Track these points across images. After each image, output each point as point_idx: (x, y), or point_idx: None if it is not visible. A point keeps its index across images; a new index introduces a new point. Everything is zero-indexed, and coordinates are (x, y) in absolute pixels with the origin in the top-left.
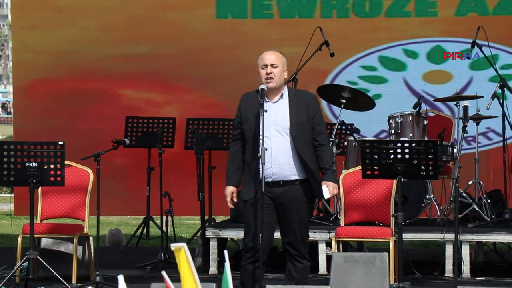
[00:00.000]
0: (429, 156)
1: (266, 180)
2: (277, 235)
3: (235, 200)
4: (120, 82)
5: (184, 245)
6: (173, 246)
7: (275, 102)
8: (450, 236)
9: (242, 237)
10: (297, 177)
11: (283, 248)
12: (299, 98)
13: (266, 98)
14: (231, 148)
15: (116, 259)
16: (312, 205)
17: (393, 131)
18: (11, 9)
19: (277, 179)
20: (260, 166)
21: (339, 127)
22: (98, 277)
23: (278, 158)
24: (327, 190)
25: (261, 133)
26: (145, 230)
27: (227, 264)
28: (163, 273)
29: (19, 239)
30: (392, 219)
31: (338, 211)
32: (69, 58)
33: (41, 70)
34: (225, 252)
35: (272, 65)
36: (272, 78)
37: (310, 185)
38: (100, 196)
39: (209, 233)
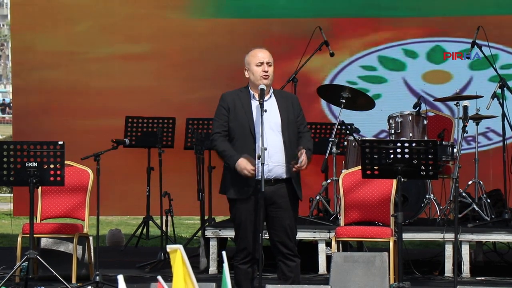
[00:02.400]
0: (429, 156)
1: (258, 177)
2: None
3: (253, 167)
4: (120, 82)
5: (180, 247)
6: (169, 247)
7: (265, 100)
8: (450, 236)
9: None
10: (287, 175)
11: (272, 247)
12: (284, 98)
13: (255, 97)
14: (221, 139)
15: (116, 259)
16: (298, 203)
17: (393, 131)
18: (11, 9)
19: (270, 177)
20: (259, 165)
21: (339, 127)
22: (98, 277)
23: (273, 156)
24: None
25: (260, 133)
26: (145, 230)
27: (225, 265)
28: (159, 277)
29: (19, 239)
30: (392, 219)
31: (338, 211)
32: (69, 58)
33: (41, 70)
34: (223, 252)
35: (267, 63)
36: (268, 76)
37: (292, 184)
38: (100, 196)
39: (209, 233)
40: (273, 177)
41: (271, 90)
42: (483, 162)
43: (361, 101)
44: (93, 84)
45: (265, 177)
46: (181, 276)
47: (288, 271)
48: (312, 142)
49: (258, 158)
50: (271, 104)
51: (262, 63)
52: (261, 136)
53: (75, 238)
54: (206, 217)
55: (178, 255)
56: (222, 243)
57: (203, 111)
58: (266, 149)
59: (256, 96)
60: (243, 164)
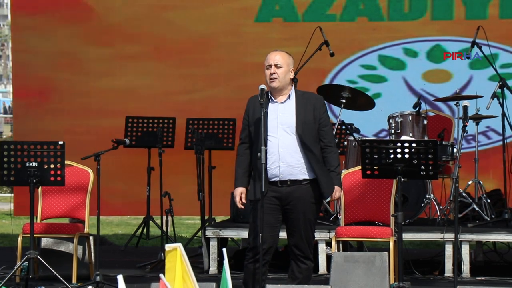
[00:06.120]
0: (429, 155)
1: (273, 179)
2: (282, 235)
3: (243, 200)
4: (120, 81)
5: (179, 245)
6: (168, 246)
7: (282, 102)
8: (450, 236)
9: (243, 237)
10: (306, 177)
11: (284, 248)
12: (306, 99)
13: (273, 99)
14: (238, 151)
15: (116, 259)
16: (319, 206)
17: (393, 131)
18: (11, 9)
19: (284, 178)
20: (260, 165)
21: (339, 126)
22: (98, 277)
23: (286, 157)
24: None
25: (262, 133)
26: (145, 230)
27: (226, 262)
28: (161, 276)
29: (19, 238)
30: (392, 219)
31: (338, 211)
32: (69, 58)
33: (41, 70)
34: (224, 250)
35: (276, 65)
36: (275, 78)
37: (318, 185)
38: (100, 196)
39: (209, 233)
40: (287, 178)
41: (292, 91)
42: (483, 162)
43: (361, 101)
44: (93, 84)
45: (279, 178)
46: (179, 275)
47: (297, 272)
48: (338, 158)
49: (259, 159)
50: (289, 105)
51: (270, 66)
52: (263, 136)
53: (75, 238)
54: (206, 217)
55: (177, 253)
56: (223, 243)
57: (203, 111)
58: (266, 149)
59: (273, 97)
60: (237, 192)
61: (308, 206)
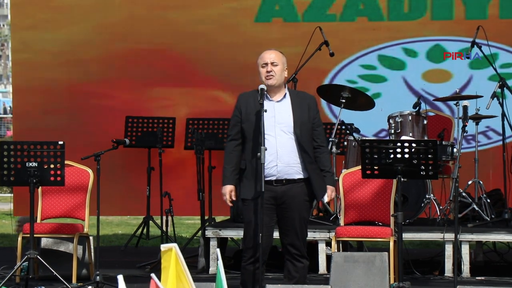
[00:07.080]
0: (429, 155)
1: (269, 178)
2: (277, 235)
3: (233, 198)
4: (120, 82)
5: (174, 245)
6: (163, 247)
7: (278, 101)
8: (450, 236)
9: (242, 237)
10: (300, 176)
11: (282, 247)
12: (301, 98)
13: (269, 97)
14: (227, 148)
15: (116, 259)
16: (312, 204)
17: (392, 131)
18: (11, 9)
19: (281, 178)
20: (259, 165)
21: (339, 126)
22: (98, 277)
23: (283, 157)
24: (326, 193)
25: (261, 132)
26: (145, 230)
27: (220, 263)
28: (153, 275)
29: (19, 238)
30: (392, 219)
31: (338, 211)
32: (69, 58)
33: (41, 70)
34: (217, 250)
35: (272, 63)
36: (272, 76)
37: (311, 184)
38: (100, 196)
39: (209, 232)
40: (284, 177)
41: (286, 91)
42: (483, 162)
43: (361, 101)
44: (93, 84)
45: (275, 177)
46: (173, 275)
47: (294, 271)
48: (330, 158)
49: (258, 158)
50: (284, 104)
51: (266, 64)
52: (262, 136)
53: (75, 238)
54: (206, 217)
55: (173, 253)
56: (223, 243)
57: (203, 111)
58: (266, 149)
59: (269, 96)
60: (226, 191)
61: (303, 204)
